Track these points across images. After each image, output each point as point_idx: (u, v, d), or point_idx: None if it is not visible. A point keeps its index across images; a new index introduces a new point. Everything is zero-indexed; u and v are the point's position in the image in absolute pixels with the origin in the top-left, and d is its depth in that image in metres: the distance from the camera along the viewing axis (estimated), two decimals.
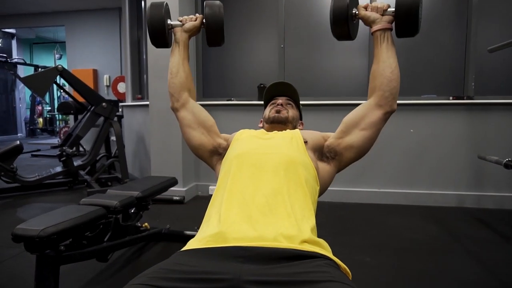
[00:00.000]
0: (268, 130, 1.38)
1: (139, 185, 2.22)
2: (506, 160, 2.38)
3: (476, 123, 3.15)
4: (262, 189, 0.99)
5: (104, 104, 3.86)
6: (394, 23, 1.15)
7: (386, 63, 1.14)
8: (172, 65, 1.33)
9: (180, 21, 1.36)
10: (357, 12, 1.19)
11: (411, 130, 3.29)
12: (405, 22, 1.10)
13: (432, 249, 2.27)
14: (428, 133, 3.26)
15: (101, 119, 3.98)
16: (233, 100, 3.57)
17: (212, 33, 1.31)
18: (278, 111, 1.38)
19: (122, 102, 5.64)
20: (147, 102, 4.05)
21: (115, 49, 6.48)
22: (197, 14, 1.37)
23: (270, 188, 0.99)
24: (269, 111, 1.41)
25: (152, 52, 3.37)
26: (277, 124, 1.36)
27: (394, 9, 1.13)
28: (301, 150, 1.15)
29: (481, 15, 3.21)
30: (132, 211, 2.13)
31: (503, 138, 3.12)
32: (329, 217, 2.87)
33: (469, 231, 2.58)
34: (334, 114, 2.83)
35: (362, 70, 3.46)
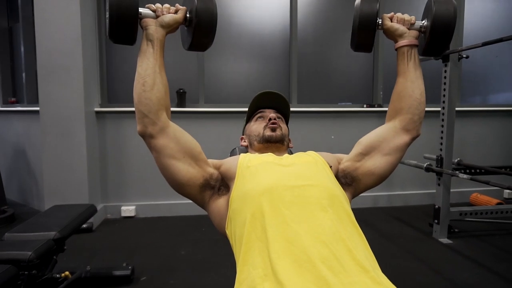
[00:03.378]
0: (261, 150, 1.14)
1: (50, 221, 1.68)
2: (427, 164, 2.60)
3: None
4: (319, 235, 0.76)
5: None
6: (423, 37, 1.05)
7: (415, 83, 1.03)
8: (145, 73, 0.94)
9: (153, 11, 0.98)
10: (381, 22, 1.04)
11: (332, 137, 3.40)
12: (439, 40, 1.00)
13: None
14: (347, 138, 3.41)
15: None
16: None
17: (201, 33, 0.99)
18: (273, 129, 1.14)
19: None
20: (29, 108, 3.28)
21: None
22: (176, 5, 1.01)
23: (329, 232, 0.77)
24: (262, 129, 1.16)
25: (43, 45, 2.68)
26: (273, 143, 1.13)
27: (422, 23, 1.03)
28: (333, 179, 0.95)
29: None
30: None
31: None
32: None
33: (395, 229, 2.77)
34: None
35: (282, 75, 3.43)
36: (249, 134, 1.20)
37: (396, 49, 1.05)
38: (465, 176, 2.28)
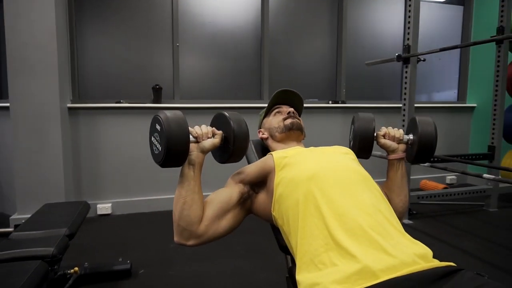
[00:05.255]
0: (283, 139, 1.30)
1: (54, 218, 1.67)
2: None
3: (349, 123, 3.74)
4: (363, 207, 0.92)
5: None
6: (409, 149, 1.21)
7: (401, 188, 1.20)
8: (186, 194, 1.00)
9: (195, 137, 1.02)
10: (375, 137, 1.20)
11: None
12: (423, 154, 1.16)
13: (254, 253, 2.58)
14: (314, 133, 3.66)
15: None
16: (122, 103, 3.08)
17: (236, 155, 1.07)
18: (293, 118, 1.30)
19: None
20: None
21: None
22: (213, 129, 1.08)
23: (370, 205, 0.93)
24: (282, 121, 1.31)
25: (14, 40, 2.54)
26: (295, 131, 1.29)
27: (409, 137, 1.20)
28: (359, 164, 1.12)
29: (352, 30, 3.82)
30: None
31: None
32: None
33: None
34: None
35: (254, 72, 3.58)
36: (269, 127, 1.34)
37: (388, 160, 1.22)
38: (426, 164, 2.61)
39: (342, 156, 1.13)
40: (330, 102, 3.72)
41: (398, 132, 1.21)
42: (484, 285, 0.76)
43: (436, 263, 0.83)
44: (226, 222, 1.06)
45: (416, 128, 1.17)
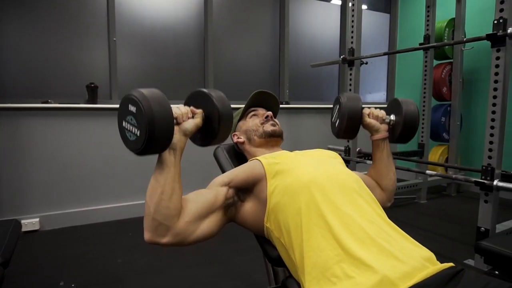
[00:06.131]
0: (262, 144, 1.23)
1: None
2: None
3: (293, 124, 3.81)
4: (364, 214, 0.90)
5: None
6: (392, 130, 1.24)
7: (389, 167, 1.22)
8: (165, 182, 0.88)
9: (174, 118, 0.90)
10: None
11: None
12: (407, 134, 1.20)
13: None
14: None
15: None
16: (51, 103, 2.72)
17: (222, 134, 0.98)
18: (273, 125, 1.24)
19: None
20: None
21: None
22: (191, 108, 0.97)
23: (369, 211, 0.92)
24: (260, 125, 1.24)
25: None
26: (275, 138, 1.23)
27: (390, 118, 1.23)
28: (345, 166, 1.11)
29: (293, 32, 3.88)
30: None
31: (312, 135, 3.91)
32: None
33: None
34: None
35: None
36: (246, 130, 1.26)
37: (372, 140, 1.24)
38: (369, 161, 2.75)
39: (332, 161, 1.10)
40: None
41: (381, 113, 1.24)
42: (489, 282, 0.79)
43: (442, 265, 0.84)
44: (206, 226, 0.95)
45: (399, 108, 1.20)
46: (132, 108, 0.82)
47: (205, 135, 0.99)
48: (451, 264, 0.86)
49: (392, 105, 1.26)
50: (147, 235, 0.88)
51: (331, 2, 4.23)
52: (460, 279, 0.80)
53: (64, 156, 2.78)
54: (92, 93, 2.86)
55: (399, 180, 4.40)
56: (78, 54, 2.95)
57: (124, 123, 0.86)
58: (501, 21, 1.89)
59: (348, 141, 2.97)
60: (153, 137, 0.80)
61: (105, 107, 2.89)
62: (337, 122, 1.22)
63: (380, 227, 0.89)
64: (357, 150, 3.33)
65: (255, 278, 1.97)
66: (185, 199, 0.94)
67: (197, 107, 0.97)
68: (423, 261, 0.82)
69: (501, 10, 1.90)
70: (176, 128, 0.91)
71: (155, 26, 3.21)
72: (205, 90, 0.98)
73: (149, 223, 0.87)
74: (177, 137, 0.91)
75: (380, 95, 4.74)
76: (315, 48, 4.13)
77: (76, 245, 2.47)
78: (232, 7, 3.61)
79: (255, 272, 2.02)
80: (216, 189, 1.01)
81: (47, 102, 2.71)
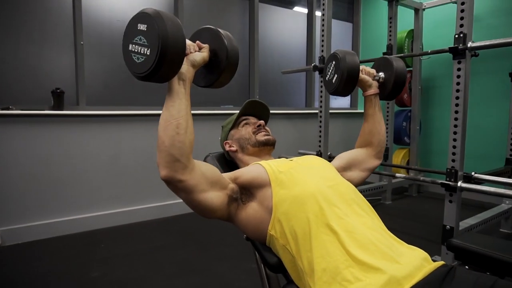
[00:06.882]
0: (255, 153, 1.27)
1: None
2: None
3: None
4: (364, 223, 0.95)
5: None
6: (381, 87, 1.33)
7: (381, 123, 1.32)
8: (179, 115, 0.88)
9: None
10: None
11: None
12: (397, 89, 1.30)
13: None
14: None
15: None
16: (12, 109, 2.56)
17: (228, 71, 0.98)
18: (267, 134, 1.28)
19: None
20: None
21: None
22: (197, 42, 0.98)
23: (369, 219, 0.97)
24: (252, 134, 1.27)
25: None
26: (269, 147, 1.27)
27: (380, 75, 1.31)
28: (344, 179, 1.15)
29: (263, 40, 3.93)
30: None
31: (283, 140, 3.97)
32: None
33: None
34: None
35: None
36: (239, 138, 1.28)
37: (365, 96, 1.33)
38: None
39: (328, 170, 1.14)
40: None
41: (372, 70, 1.33)
42: (479, 277, 0.86)
43: (436, 264, 0.91)
44: (213, 195, 0.97)
45: (389, 64, 1.28)
46: (142, 27, 0.80)
47: (209, 72, 0.99)
48: (443, 262, 0.93)
49: (380, 63, 1.34)
50: (163, 172, 0.87)
51: (299, 10, 4.35)
52: (454, 275, 0.88)
53: (27, 165, 2.62)
54: (58, 99, 2.72)
55: (364, 183, 4.60)
56: (43, 58, 2.80)
57: (130, 46, 0.84)
58: (461, 35, 2.06)
59: (319, 146, 3.06)
60: (165, 55, 0.77)
61: (72, 113, 2.75)
62: (335, 78, 1.25)
63: (380, 233, 0.94)
64: (328, 154, 3.45)
65: (239, 286, 1.97)
66: (197, 161, 0.96)
67: (203, 43, 0.98)
68: (421, 261, 0.89)
69: (461, 26, 2.07)
70: (185, 60, 0.90)
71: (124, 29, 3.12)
72: (212, 26, 0.98)
73: (165, 159, 0.86)
74: (185, 67, 0.91)
75: (345, 101, 4.93)
76: (283, 55, 4.23)
77: (43, 260, 2.32)
78: (202, 13, 3.61)
79: (238, 280, 2.02)
80: (225, 179, 1.03)
81: (8, 109, 2.54)
